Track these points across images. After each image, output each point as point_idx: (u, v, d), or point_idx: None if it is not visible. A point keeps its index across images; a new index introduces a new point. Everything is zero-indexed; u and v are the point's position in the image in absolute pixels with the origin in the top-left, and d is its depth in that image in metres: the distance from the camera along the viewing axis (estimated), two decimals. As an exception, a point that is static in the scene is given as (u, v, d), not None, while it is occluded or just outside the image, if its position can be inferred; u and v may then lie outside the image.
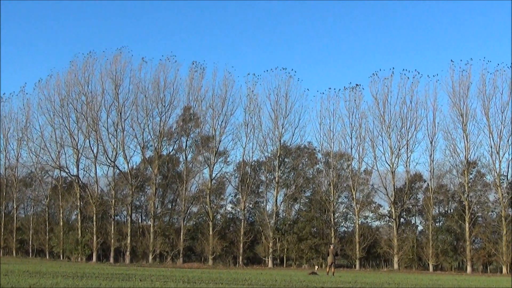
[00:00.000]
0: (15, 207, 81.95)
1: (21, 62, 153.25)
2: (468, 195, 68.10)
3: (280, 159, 73.95)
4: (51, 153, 76.40)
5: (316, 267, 54.42)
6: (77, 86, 75.73)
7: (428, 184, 71.75)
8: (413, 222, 75.32)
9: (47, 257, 76.06)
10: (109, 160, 74.11)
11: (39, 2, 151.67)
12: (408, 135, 70.97)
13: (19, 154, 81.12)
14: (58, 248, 75.29)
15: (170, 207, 77.78)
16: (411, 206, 73.36)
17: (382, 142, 71.49)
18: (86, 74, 75.50)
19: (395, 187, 70.56)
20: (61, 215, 77.56)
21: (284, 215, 75.00)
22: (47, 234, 77.44)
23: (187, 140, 75.58)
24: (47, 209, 79.88)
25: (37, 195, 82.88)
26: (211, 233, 71.17)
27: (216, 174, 74.37)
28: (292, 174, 75.81)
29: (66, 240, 74.36)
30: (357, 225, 71.35)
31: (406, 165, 70.99)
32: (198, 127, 75.70)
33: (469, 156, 68.92)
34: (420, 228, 74.87)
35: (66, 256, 74.39)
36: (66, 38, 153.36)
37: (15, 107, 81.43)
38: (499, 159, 67.82)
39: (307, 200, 76.13)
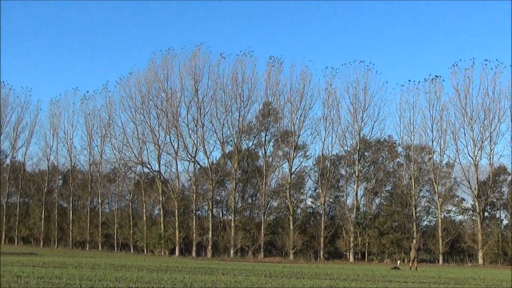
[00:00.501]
0: (100, 202, 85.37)
1: (103, 60, 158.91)
2: (556, 188, 66.88)
3: (360, 153, 74.36)
4: (134, 149, 79.34)
5: (398, 261, 54.88)
6: (157, 83, 78.24)
7: (513, 177, 70.90)
8: (497, 216, 74.39)
9: (132, 251, 79.03)
10: (189, 156, 76.42)
11: (119, 2, 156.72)
12: (491, 127, 70.05)
13: (103, 151, 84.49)
14: (142, 242, 78.18)
15: (250, 201, 79.51)
16: (495, 200, 72.38)
17: (464, 135, 70.91)
18: (165, 71, 77.94)
19: (479, 180, 69.81)
20: (144, 210, 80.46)
21: (364, 209, 75.42)
22: (131, 228, 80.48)
23: (266, 135, 77.15)
24: (130, 204, 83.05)
25: (120, 190, 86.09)
26: (291, 227, 72.36)
27: (296, 168, 75.66)
28: (372, 168, 76.11)
29: (149, 234, 77.14)
30: (439, 219, 70.92)
31: (490, 158, 70.15)
32: (277, 122, 77.04)
33: (556, 147, 67.68)
34: (505, 222, 73.89)
35: (150, 250, 77.18)
36: (146, 36, 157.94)
37: (98, 105, 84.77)
38: None
39: (387, 194, 76.32)
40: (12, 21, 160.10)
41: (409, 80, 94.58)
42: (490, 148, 69.91)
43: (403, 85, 74.31)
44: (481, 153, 69.99)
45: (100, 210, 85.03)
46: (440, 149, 72.19)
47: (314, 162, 76.98)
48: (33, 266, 26.67)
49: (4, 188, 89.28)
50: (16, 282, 17.40)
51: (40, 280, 18.51)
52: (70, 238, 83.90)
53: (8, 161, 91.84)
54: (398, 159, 76.22)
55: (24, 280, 18.22)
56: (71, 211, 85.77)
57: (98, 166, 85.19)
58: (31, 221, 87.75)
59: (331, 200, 76.84)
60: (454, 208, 74.22)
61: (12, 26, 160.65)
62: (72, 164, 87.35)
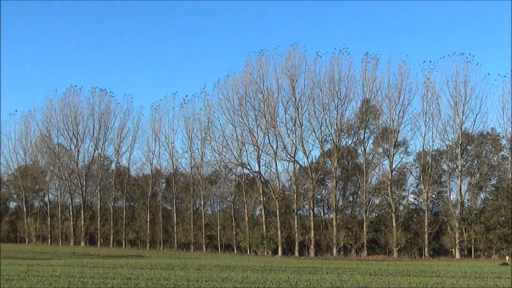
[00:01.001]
0: (202, 204, 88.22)
1: (201, 64, 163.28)
2: None
3: (462, 147, 73.64)
4: (233, 151, 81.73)
5: (507, 257, 54.26)
6: (253, 85, 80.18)
7: None
8: None
9: (235, 251, 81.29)
10: (289, 156, 78.05)
11: (214, 5, 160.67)
12: None
13: (203, 153, 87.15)
14: (244, 243, 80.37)
15: (352, 199, 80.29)
16: None
17: None
18: (261, 72, 79.81)
19: None
20: (245, 210, 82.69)
21: (469, 204, 74.67)
22: (234, 229, 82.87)
23: (365, 132, 77.68)
24: (232, 205, 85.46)
25: (222, 192, 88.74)
26: (394, 224, 72.61)
27: (396, 165, 75.96)
28: (476, 162, 75.13)
29: (252, 235, 79.18)
30: (549, 212, 69.56)
31: None
32: (376, 119, 77.41)
33: None
34: None
35: (253, 251, 79.23)
36: (241, 38, 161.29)
37: (197, 108, 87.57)
38: None
39: (493, 188, 75.14)
40: (113, 32, 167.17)
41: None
42: None
43: (505, 76, 73.09)
44: None
45: (203, 212, 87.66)
46: (548, 141, 70.53)
47: (415, 158, 76.92)
48: (141, 268, 28.74)
49: (110, 192, 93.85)
50: (126, 284, 19.21)
51: (149, 281, 20.16)
52: (175, 240, 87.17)
53: (113, 166, 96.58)
54: (502, 152, 74.93)
55: (134, 282, 19.97)
56: (175, 214, 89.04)
57: (199, 168, 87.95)
58: (137, 224, 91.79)
59: (434, 196, 76.53)
60: None
61: (114, 37, 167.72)
62: (174, 167, 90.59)
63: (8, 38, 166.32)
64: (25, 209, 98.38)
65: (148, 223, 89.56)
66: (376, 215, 78.24)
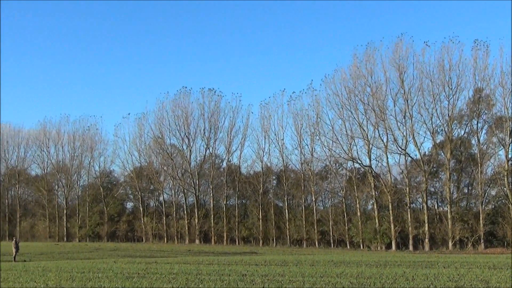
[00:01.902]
0: (313, 200, 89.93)
1: (307, 60, 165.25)
2: None
3: None
4: (343, 146, 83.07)
5: None
6: (361, 78, 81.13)
7: None
8: None
9: (348, 246, 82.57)
10: (399, 148, 78.48)
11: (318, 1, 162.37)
12: None
13: (313, 149, 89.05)
14: (357, 238, 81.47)
15: (466, 191, 79.63)
16: None
17: None
18: (368, 65, 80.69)
19: None
20: (357, 205, 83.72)
21: None
22: (346, 224, 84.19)
23: (478, 122, 76.98)
24: (343, 200, 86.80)
25: (333, 187, 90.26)
26: (512, 216, 71.69)
27: (513, 154, 74.66)
28: None
29: (364, 229, 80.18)
30: None
31: None
32: (489, 108, 76.41)
33: None
34: None
35: (366, 245, 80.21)
36: (348, 32, 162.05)
37: (306, 104, 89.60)
38: None
39: None
40: (221, 31, 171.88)
41: None
42: None
43: None
44: None
45: (314, 207, 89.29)
46: None
47: (534, 147, 75.33)
48: (255, 264, 29.90)
49: (222, 191, 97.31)
50: (242, 280, 20.13)
51: (265, 278, 21.00)
52: (288, 236, 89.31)
53: (224, 164, 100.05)
54: None
55: (250, 278, 20.90)
56: (286, 210, 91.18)
57: (309, 164, 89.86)
58: (249, 221, 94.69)
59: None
60: None
61: (222, 36, 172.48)
62: (285, 164, 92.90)
63: (119, 44, 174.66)
64: (141, 209, 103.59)
65: (261, 220, 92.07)
66: (493, 206, 77.20)
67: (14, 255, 48.17)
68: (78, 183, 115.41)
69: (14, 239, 50.21)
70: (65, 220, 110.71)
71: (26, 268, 28.15)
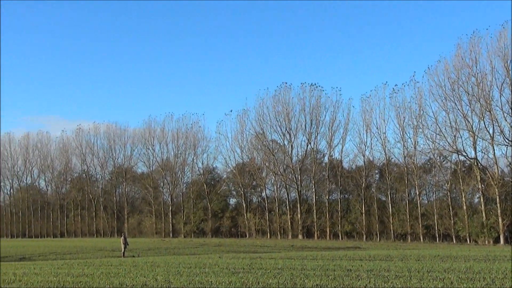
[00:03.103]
0: (417, 193, 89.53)
1: (410, 51, 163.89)
2: None
3: None
4: (447, 138, 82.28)
5: None
6: (465, 68, 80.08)
7: None
8: None
9: (454, 241, 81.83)
10: (507, 140, 76.99)
11: None
12: None
13: (416, 142, 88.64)
14: (463, 232, 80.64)
15: None
16: None
17: None
18: (472, 55, 79.64)
19: None
20: (463, 198, 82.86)
21: None
22: (452, 218, 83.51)
23: None
24: (448, 194, 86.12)
25: (437, 180, 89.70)
26: None
27: None
28: None
29: (471, 223, 79.27)
30: None
31: None
32: None
33: None
34: None
35: (473, 240, 79.32)
36: (449, 21, 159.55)
37: (408, 97, 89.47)
38: None
39: None
40: (317, 27, 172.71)
41: None
42: None
43: None
44: None
45: (418, 201, 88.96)
46: None
47: None
48: (360, 259, 29.61)
49: (325, 185, 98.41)
50: (347, 275, 20.13)
51: (370, 273, 20.89)
52: (391, 231, 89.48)
53: (326, 159, 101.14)
54: None
55: (355, 273, 20.88)
56: (390, 204, 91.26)
57: (412, 157, 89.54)
58: (352, 216, 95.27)
59: None
60: None
61: (317, 32, 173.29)
62: (387, 157, 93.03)
63: (220, 43, 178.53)
64: (244, 205, 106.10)
65: (363, 215, 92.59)
66: None
67: (123, 250, 50.79)
68: (182, 180, 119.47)
69: (123, 235, 52.88)
70: (170, 216, 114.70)
71: (135, 264, 29.35)
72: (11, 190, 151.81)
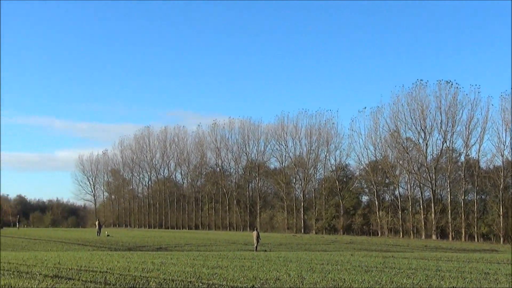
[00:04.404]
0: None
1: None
2: None
3: None
4: None
5: None
6: None
7: None
8: None
9: None
10: None
11: None
12: None
13: None
14: None
15: None
16: None
17: None
18: None
19: None
20: None
21: None
22: None
23: None
24: None
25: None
26: None
27: None
28: None
29: None
30: None
31: None
32: None
33: None
34: None
35: None
36: None
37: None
38: None
39: None
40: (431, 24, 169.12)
41: None
42: None
43: None
44: None
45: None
46: None
47: None
48: (497, 263, 29.35)
49: (460, 185, 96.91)
50: (485, 279, 19.70)
51: (509, 277, 20.49)
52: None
53: (462, 158, 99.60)
54: None
55: (493, 277, 20.54)
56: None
57: None
58: (489, 218, 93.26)
59: None
60: None
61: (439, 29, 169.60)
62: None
63: (348, 41, 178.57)
64: (376, 203, 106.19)
65: (501, 217, 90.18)
66: None
67: (255, 245, 52.50)
68: (315, 176, 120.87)
69: (256, 230, 54.19)
70: (302, 212, 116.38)
71: (268, 258, 30.11)
72: (149, 182, 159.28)
